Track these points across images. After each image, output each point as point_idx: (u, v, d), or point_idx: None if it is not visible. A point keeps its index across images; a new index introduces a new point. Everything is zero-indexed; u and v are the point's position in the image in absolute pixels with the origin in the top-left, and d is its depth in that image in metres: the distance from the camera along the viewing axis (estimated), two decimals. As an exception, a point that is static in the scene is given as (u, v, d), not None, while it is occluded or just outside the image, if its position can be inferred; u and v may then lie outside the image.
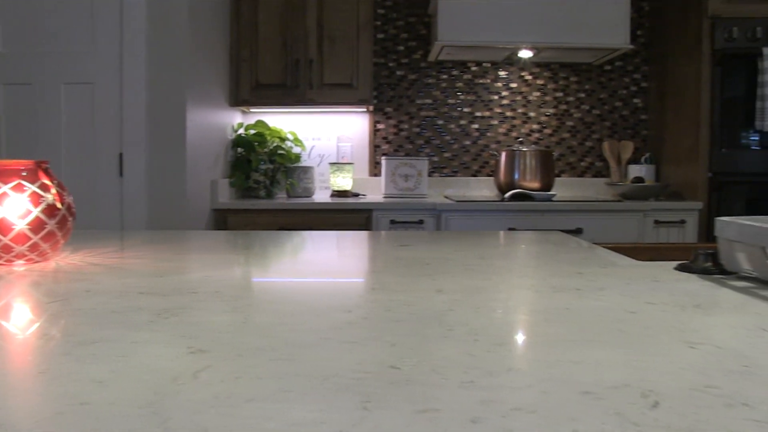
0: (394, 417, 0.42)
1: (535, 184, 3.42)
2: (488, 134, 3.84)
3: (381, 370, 0.52)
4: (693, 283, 0.90)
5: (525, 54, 3.55)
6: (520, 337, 0.62)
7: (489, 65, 3.84)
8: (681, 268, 1.01)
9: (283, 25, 3.44)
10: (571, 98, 3.86)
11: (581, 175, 3.87)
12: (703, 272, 0.98)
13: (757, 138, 3.30)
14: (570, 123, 3.86)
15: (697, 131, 3.30)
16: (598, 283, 0.90)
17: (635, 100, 3.89)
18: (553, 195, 3.33)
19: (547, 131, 3.86)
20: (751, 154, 3.30)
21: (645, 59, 3.89)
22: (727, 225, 0.90)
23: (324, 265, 1.09)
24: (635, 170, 3.67)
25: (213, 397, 0.45)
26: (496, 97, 3.84)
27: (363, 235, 1.54)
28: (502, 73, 3.85)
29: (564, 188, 3.81)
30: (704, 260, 0.99)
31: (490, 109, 3.84)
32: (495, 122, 3.84)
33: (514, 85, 3.85)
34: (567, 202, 3.18)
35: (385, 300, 0.79)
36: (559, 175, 3.84)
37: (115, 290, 0.84)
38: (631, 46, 3.40)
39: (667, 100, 3.65)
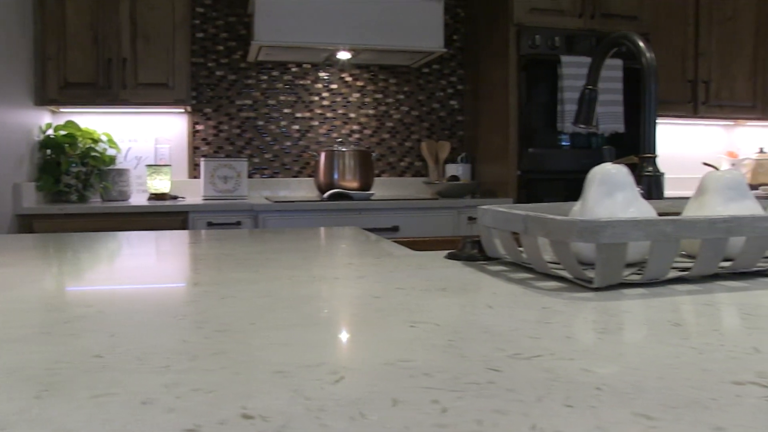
0: (64, 403, 0.40)
1: (355, 184, 3.47)
2: (309, 135, 3.85)
3: (83, 360, 0.49)
4: (453, 269, 0.93)
5: (344, 56, 3.59)
6: (243, 323, 0.61)
7: (309, 66, 3.85)
8: (450, 256, 1.04)
9: (93, 21, 3.28)
10: (390, 100, 3.95)
11: (401, 174, 3.96)
12: (468, 259, 1.01)
13: (561, 138, 3.52)
14: (389, 124, 3.95)
15: (507, 132, 3.47)
16: (361, 272, 0.91)
17: (452, 102, 4.03)
18: (372, 194, 3.38)
19: (367, 132, 3.92)
20: (555, 153, 3.51)
21: (460, 63, 4.05)
22: (485, 212, 0.94)
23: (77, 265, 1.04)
24: (452, 169, 3.80)
25: None
26: (316, 98, 3.86)
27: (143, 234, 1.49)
28: (323, 75, 3.87)
29: (384, 188, 3.88)
30: (471, 248, 1.03)
31: (311, 110, 3.85)
32: (315, 123, 3.86)
33: (334, 86, 3.88)
34: (384, 200, 3.24)
35: (110, 290, 0.76)
36: (379, 175, 3.91)
37: None
38: (446, 50, 3.52)
39: (481, 102, 3.81)
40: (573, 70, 3.38)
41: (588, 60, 3.38)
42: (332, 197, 3.32)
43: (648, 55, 1.20)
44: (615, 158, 0.98)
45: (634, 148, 3.48)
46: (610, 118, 3.43)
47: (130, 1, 3.30)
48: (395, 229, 3.16)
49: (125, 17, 3.30)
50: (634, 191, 0.88)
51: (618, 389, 0.42)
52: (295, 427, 0.36)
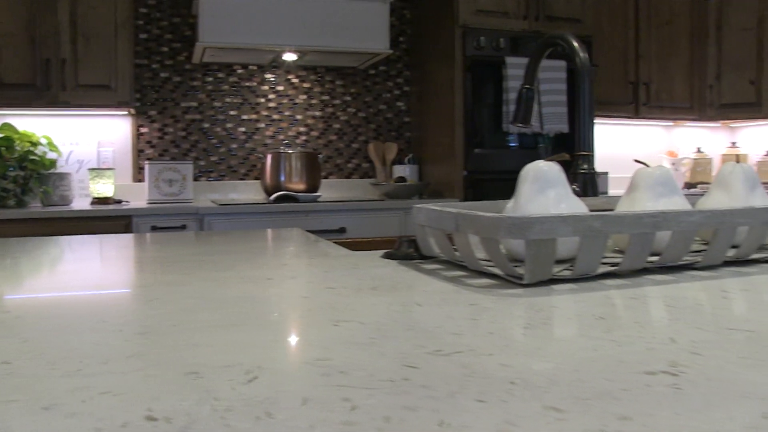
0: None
1: (301, 186, 3.45)
2: (255, 137, 3.81)
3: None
4: (387, 268, 0.92)
5: (289, 57, 3.57)
6: (165, 325, 0.59)
7: (255, 68, 3.81)
8: (386, 256, 1.04)
9: (30, 20, 3.19)
10: (337, 101, 3.94)
11: (349, 176, 3.95)
12: (404, 258, 1.01)
13: (508, 139, 3.55)
14: (337, 125, 3.94)
15: (453, 133, 3.49)
16: (294, 273, 0.90)
17: (399, 104, 4.04)
18: (319, 196, 3.37)
19: (314, 134, 3.90)
20: (502, 154, 3.54)
21: (407, 64, 4.06)
22: (419, 211, 0.93)
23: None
24: (399, 170, 3.81)
25: None
26: (262, 100, 3.83)
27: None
28: (269, 76, 3.84)
29: (331, 189, 3.87)
30: (407, 247, 1.03)
31: (257, 112, 3.82)
32: (262, 125, 3.82)
33: (280, 88, 3.85)
34: (331, 202, 3.23)
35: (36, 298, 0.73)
36: (327, 177, 3.90)
37: None
38: (392, 51, 3.52)
39: (427, 103, 3.83)
40: (518, 71, 3.41)
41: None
42: (279, 199, 3.30)
43: (582, 55, 1.22)
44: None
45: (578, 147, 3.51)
46: (554, 118, 3.47)
47: (70, 1, 3.22)
48: (342, 230, 3.15)
49: (64, 17, 3.22)
50: (566, 188, 0.89)
51: (532, 383, 0.42)
52: (198, 428, 0.35)
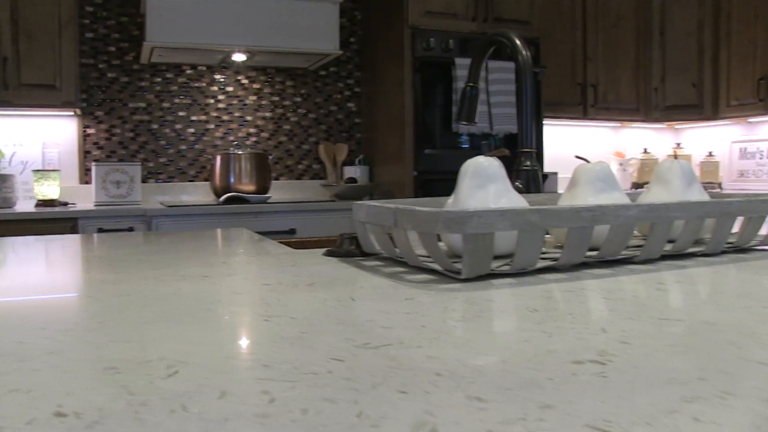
0: None
1: (251, 188, 3.41)
2: (205, 138, 3.77)
3: None
4: (327, 265, 0.91)
5: (239, 57, 3.53)
6: (91, 323, 0.57)
7: (204, 68, 3.77)
8: (327, 253, 1.03)
9: (-31, 18, 3.11)
10: (287, 102, 3.91)
11: (299, 177, 3.93)
12: (345, 255, 1.00)
13: (460, 139, 3.57)
14: (287, 127, 3.91)
15: (403, 133, 3.49)
16: (232, 270, 0.89)
17: (349, 105, 4.03)
18: (269, 197, 3.34)
19: (265, 135, 3.87)
20: (453, 154, 3.55)
21: (357, 65, 4.05)
22: (359, 207, 0.92)
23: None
24: (350, 171, 3.80)
25: None
26: (212, 100, 3.78)
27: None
28: (218, 77, 3.79)
29: (282, 191, 3.84)
30: (348, 244, 1.02)
31: (207, 113, 3.77)
32: (211, 126, 3.78)
33: (230, 88, 3.81)
34: (281, 203, 3.21)
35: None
36: (277, 179, 3.87)
37: None
38: (341, 52, 3.51)
39: (378, 104, 3.82)
40: (467, 72, 3.42)
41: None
42: (228, 201, 3.26)
43: (524, 53, 1.22)
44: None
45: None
46: (504, 119, 3.49)
47: (11, -2, 3.14)
48: (292, 232, 3.12)
49: (5, 14, 3.13)
50: (507, 183, 0.89)
51: (458, 374, 0.41)
52: (109, 422, 0.34)
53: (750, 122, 4.37)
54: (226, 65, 3.75)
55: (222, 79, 3.80)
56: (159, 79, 3.70)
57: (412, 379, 0.40)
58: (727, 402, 0.36)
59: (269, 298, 0.67)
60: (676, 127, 4.88)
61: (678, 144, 4.77)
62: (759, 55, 3.99)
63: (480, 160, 0.89)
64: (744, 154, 4.38)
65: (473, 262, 0.74)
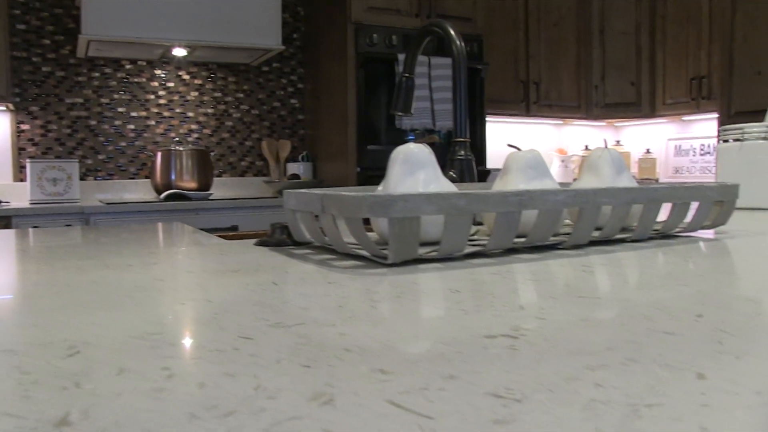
0: None
1: (193, 185, 3.36)
2: (145, 135, 3.70)
3: None
4: (256, 254, 0.90)
5: (179, 52, 3.48)
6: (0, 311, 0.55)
7: (144, 63, 3.70)
8: (259, 243, 1.01)
9: None
10: (230, 98, 3.86)
11: (242, 174, 3.89)
12: (277, 244, 0.99)
13: (401, 135, 3.57)
14: (229, 123, 3.86)
15: (346, 130, 3.48)
16: (159, 259, 0.86)
17: (292, 101, 4.00)
18: (210, 194, 3.29)
19: (207, 131, 3.82)
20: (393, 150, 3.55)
21: (301, 61, 4.02)
22: (289, 195, 0.91)
23: None
24: (293, 168, 3.77)
25: None
26: (152, 96, 3.71)
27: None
28: (159, 72, 3.73)
29: (224, 188, 3.80)
30: (280, 233, 1.00)
31: (147, 109, 3.70)
32: (152, 122, 3.71)
33: (171, 84, 3.75)
34: (223, 200, 3.16)
35: None
36: (220, 176, 3.82)
37: None
38: (283, 47, 3.48)
39: (321, 100, 3.80)
40: (410, 68, 3.42)
41: (424, 58, 3.45)
42: (169, 198, 3.20)
43: (458, 43, 1.23)
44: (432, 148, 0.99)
45: (470, 144, 3.56)
46: (446, 114, 3.51)
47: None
48: (234, 228, 3.09)
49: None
50: (436, 170, 0.89)
51: (367, 349, 0.40)
52: (-9, 403, 0.32)
53: (684, 120, 4.48)
54: (166, 60, 3.69)
55: (163, 75, 3.73)
56: (97, 74, 3.61)
57: (318, 355, 0.39)
58: (629, 368, 0.36)
59: (190, 284, 0.65)
60: (616, 124, 4.98)
61: (617, 141, 4.86)
62: (691, 56, 4.10)
63: (410, 146, 0.88)
64: (679, 151, 4.49)
65: (399, 246, 0.73)
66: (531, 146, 4.69)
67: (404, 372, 0.36)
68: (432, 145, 0.90)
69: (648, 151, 4.57)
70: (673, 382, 0.33)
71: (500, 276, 0.68)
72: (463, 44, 1.22)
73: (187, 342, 0.43)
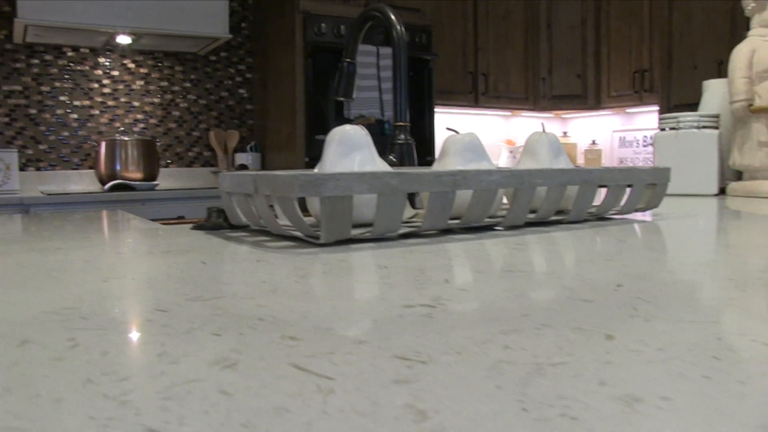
0: None
1: (138, 175, 3.30)
2: (89, 125, 3.62)
3: None
4: (190, 237, 0.88)
5: (124, 40, 3.41)
6: None
7: (87, 51, 3.61)
8: (195, 227, 1.00)
9: None
10: (176, 88, 3.80)
11: (190, 165, 3.83)
12: (213, 228, 0.97)
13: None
14: (176, 113, 3.80)
15: (294, 120, 3.45)
16: (90, 243, 0.85)
17: (241, 91, 3.96)
18: (156, 184, 3.24)
19: (153, 121, 3.75)
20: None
21: (249, 51, 3.98)
22: (224, 178, 0.90)
23: None
24: (241, 158, 3.74)
25: None
26: (96, 85, 3.63)
27: None
28: (103, 60, 3.65)
29: (171, 179, 3.74)
30: (216, 217, 0.99)
31: (91, 98, 3.62)
32: (96, 112, 3.63)
33: (115, 73, 3.68)
34: (169, 191, 3.12)
35: None
36: (167, 166, 3.76)
37: None
38: (230, 36, 3.44)
39: (269, 90, 3.77)
40: (359, 58, 3.42)
41: (373, 48, 3.44)
42: (114, 189, 3.14)
43: (398, 27, 1.22)
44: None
45: (419, 134, 3.56)
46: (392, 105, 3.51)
47: None
48: (180, 219, 3.04)
49: None
50: (372, 152, 0.88)
51: (281, 319, 0.40)
52: None
53: (628, 112, 4.56)
54: (110, 48, 3.61)
55: (107, 63, 3.66)
56: (37, 61, 3.52)
57: (231, 324, 0.39)
58: (541, 332, 0.36)
59: (117, 265, 0.64)
60: (563, 116, 5.04)
61: (564, 132, 4.92)
62: (634, 50, 4.18)
63: (346, 128, 0.88)
64: (623, 142, 4.57)
65: (331, 225, 0.73)
66: (480, 137, 4.72)
67: (314, 339, 0.35)
68: (368, 126, 0.90)
69: (594, 143, 4.64)
70: (581, 343, 0.34)
71: (432, 254, 0.68)
72: (403, 29, 1.22)
73: (100, 316, 0.42)
